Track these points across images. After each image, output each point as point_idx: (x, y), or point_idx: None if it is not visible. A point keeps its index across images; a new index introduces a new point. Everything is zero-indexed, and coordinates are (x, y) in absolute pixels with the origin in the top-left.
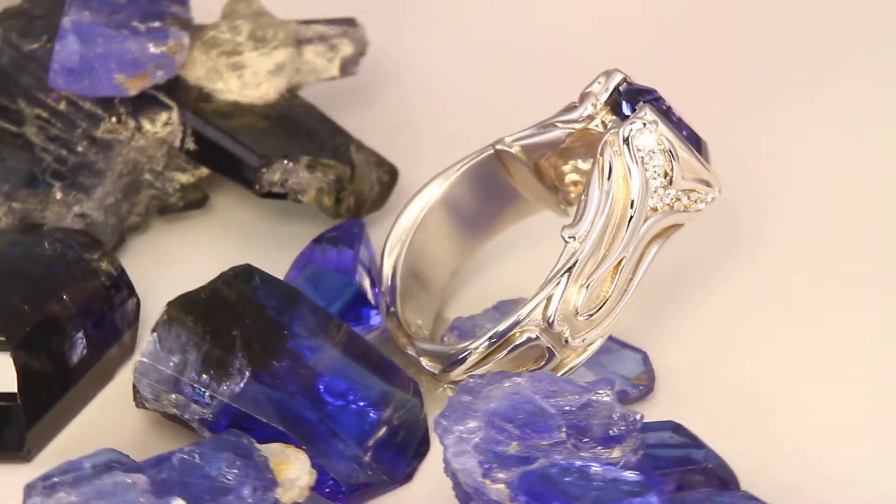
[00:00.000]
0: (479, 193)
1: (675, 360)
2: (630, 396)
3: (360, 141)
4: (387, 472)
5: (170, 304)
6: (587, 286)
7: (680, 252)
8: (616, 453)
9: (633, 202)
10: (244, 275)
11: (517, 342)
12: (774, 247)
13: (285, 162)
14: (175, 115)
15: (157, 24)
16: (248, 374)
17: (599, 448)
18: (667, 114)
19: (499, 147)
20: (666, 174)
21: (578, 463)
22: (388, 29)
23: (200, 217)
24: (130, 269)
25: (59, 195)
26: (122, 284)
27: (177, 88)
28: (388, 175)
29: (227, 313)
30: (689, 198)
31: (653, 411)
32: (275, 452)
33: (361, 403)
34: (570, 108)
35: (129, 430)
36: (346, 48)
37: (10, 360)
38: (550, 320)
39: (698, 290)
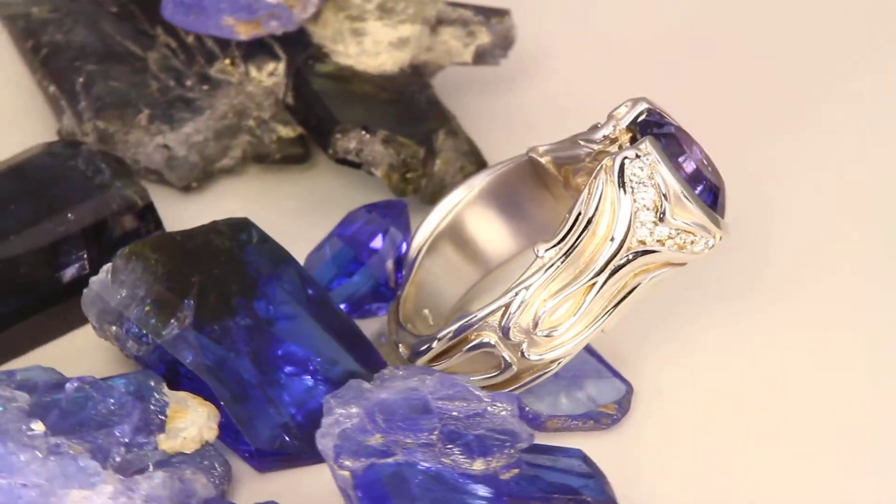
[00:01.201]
0: (511, 197)
1: (662, 392)
2: (591, 423)
3: (460, 129)
4: (311, 446)
5: (141, 241)
6: (549, 303)
7: (686, 281)
8: (478, 465)
9: (615, 230)
10: (238, 228)
11: (473, 343)
12: (775, 294)
13: (362, 132)
14: (282, 67)
15: None
16: (188, 321)
17: (462, 457)
18: (673, 151)
19: (532, 155)
20: (656, 209)
21: (435, 467)
22: (545, 24)
23: (296, 173)
24: (204, 209)
25: (143, 122)
26: (147, 216)
27: (296, 43)
28: (475, 166)
29: (196, 260)
30: (683, 238)
31: (612, 439)
32: (178, 400)
33: (318, 378)
34: (594, 128)
35: (102, 357)
36: (483, 37)
37: None
38: (506, 329)
39: (700, 326)
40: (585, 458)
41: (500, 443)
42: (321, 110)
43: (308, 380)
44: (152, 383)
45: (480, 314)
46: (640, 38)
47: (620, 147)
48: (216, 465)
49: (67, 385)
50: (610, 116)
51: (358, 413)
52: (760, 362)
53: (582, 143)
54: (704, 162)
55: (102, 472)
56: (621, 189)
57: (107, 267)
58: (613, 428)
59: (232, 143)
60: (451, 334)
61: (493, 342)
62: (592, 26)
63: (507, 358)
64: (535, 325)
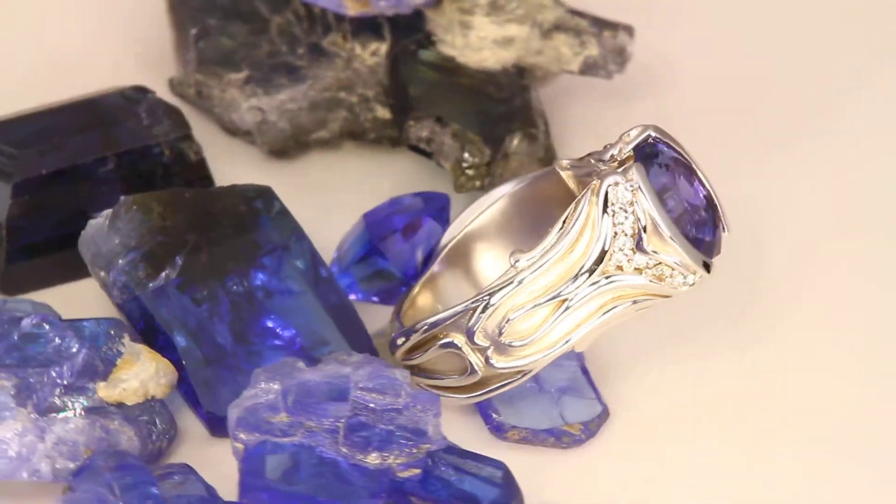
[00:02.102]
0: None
1: (641, 419)
2: (551, 440)
3: (544, 135)
4: None
5: (150, 193)
6: (518, 312)
7: (680, 308)
8: (372, 459)
9: (592, 250)
10: (256, 195)
11: (442, 341)
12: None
13: (435, 123)
14: (384, 48)
15: None
16: (172, 278)
17: (357, 449)
18: (664, 182)
19: (556, 168)
20: (635, 237)
21: (332, 454)
22: (671, 41)
23: (388, 155)
24: (289, 177)
25: (240, 82)
26: (198, 172)
27: (406, 27)
28: None
29: (199, 219)
30: (661, 270)
31: (580, 459)
32: (132, 351)
33: (301, 356)
34: (607, 147)
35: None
36: (592, 49)
37: (8, 191)
38: (471, 332)
39: (688, 356)
40: (506, 474)
41: (405, 441)
42: (403, 95)
43: (289, 356)
44: (112, 332)
45: (450, 312)
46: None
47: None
48: (157, 422)
49: (25, 320)
50: (620, 138)
51: (277, 390)
52: (746, 400)
53: (593, 161)
54: (698, 199)
55: (15, 408)
56: (603, 211)
57: (106, 212)
58: (586, 449)
59: (329, 117)
60: (425, 327)
61: (459, 344)
62: (716, 48)
63: (473, 362)
64: (500, 332)
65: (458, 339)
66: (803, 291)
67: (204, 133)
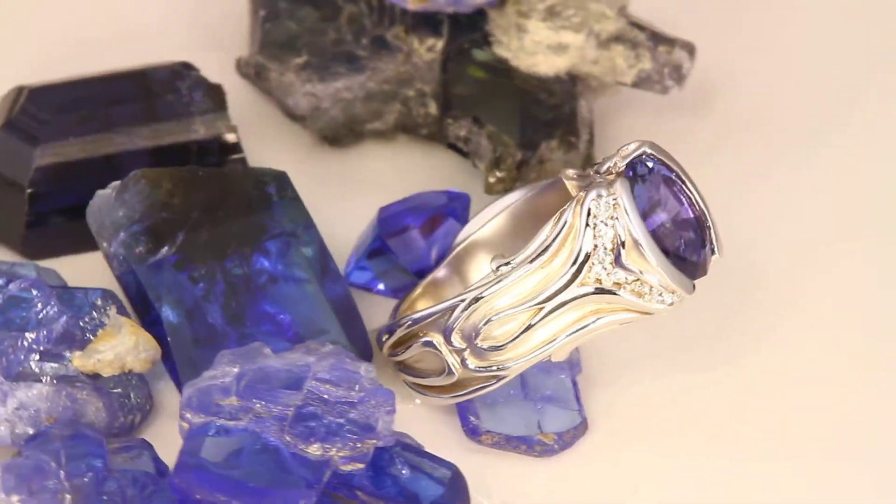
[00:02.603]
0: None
1: (620, 435)
2: (523, 447)
3: (585, 145)
4: None
5: (163, 168)
6: (494, 317)
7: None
8: (313, 450)
9: (571, 261)
10: (270, 180)
11: (422, 340)
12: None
13: (472, 123)
14: (440, 44)
15: None
16: (169, 254)
17: (300, 438)
18: (651, 200)
19: (563, 177)
20: (613, 251)
21: (276, 442)
22: (732, 58)
23: (440, 151)
24: (339, 165)
25: (298, 67)
26: (232, 153)
27: (465, 25)
28: None
29: (207, 199)
30: (640, 287)
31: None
32: (115, 323)
33: (296, 343)
34: (604, 160)
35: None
36: (646, 62)
37: (33, 155)
38: (448, 332)
39: (675, 372)
40: (455, 476)
41: (351, 435)
42: (447, 93)
43: (285, 344)
44: (99, 302)
45: (430, 311)
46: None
47: None
48: (131, 396)
49: (13, 284)
50: (617, 151)
51: (235, 373)
52: (730, 417)
53: (591, 173)
54: (688, 218)
55: None
56: (584, 224)
57: (115, 184)
58: (562, 460)
59: (385, 109)
60: (408, 323)
61: (437, 343)
62: (778, 68)
63: (451, 363)
64: (477, 334)
65: (437, 338)
66: (789, 307)
67: (264, 115)
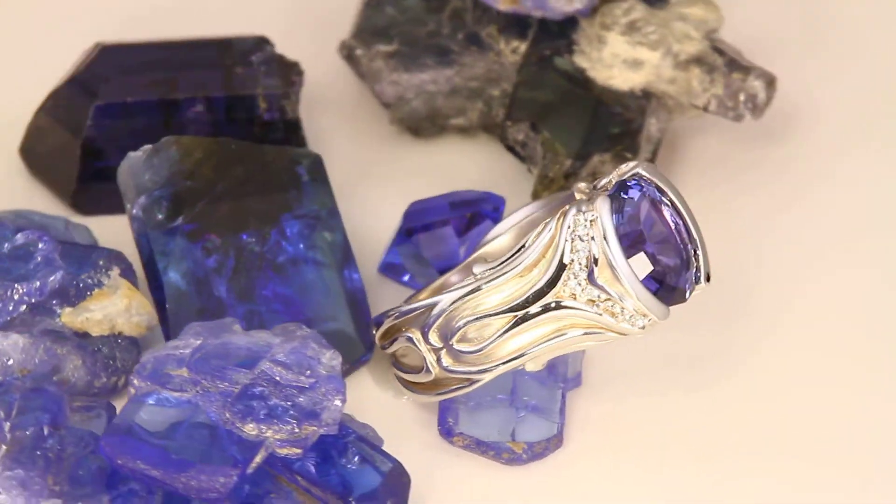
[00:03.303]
0: None
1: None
2: (491, 453)
3: (639, 160)
4: None
5: (198, 137)
6: (471, 319)
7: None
8: (249, 429)
9: (546, 273)
10: (302, 160)
11: (405, 334)
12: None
13: (530, 128)
14: (523, 48)
15: None
16: (185, 222)
17: (238, 416)
18: (631, 218)
19: (574, 190)
20: (587, 267)
21: (218, 418)
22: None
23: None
24: (412, 158)
25: (386, 55)
26: (290, 129)
27: (551, 31)
28: None
29: (236, 173)
30: (612, 306)
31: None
32: (112, 284)
33: (299, 319)
34: (605, 176)
35: None
36: (717, 87)
37: (91, 112)
38: (425, 329)
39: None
40: (393, 472)
41: (291, 419)
42: (513, 96)
43: (290, 323)
44: (102, 262)
45: (413, 305)
46: None
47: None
48: (117, 357)
49: (20, 234)
50: (616, 169)
51: (193, 345)
52: (709, 451)
53: (597, 187)
54: (673, 244)
55: None
56: (564, 237)
57: (147, 147)
58: (532, 471)
59: (468, 106)
60: (395, 315)
61: (416, 340)
62: (864, 104)
63: (428, 361)
64: (453, 334)
65: (416, 335)
66: (771, 330)
67: (361, 99)
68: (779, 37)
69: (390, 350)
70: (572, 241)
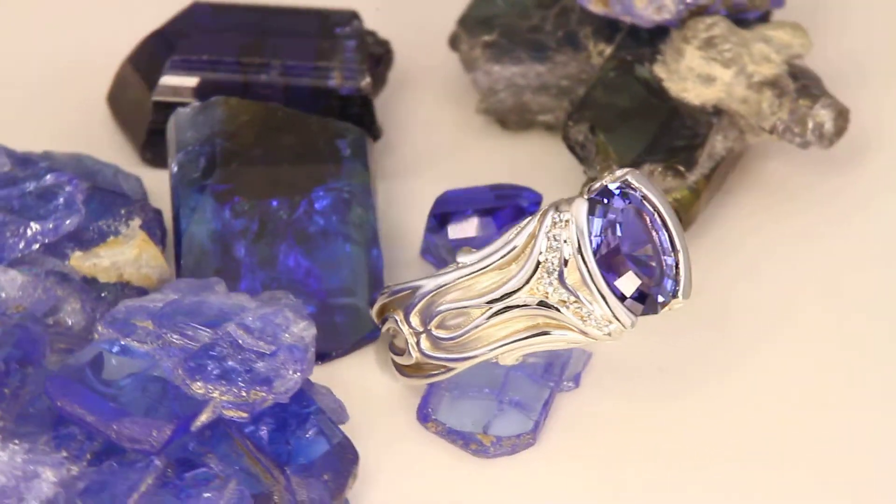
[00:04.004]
0: None
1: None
2: (460, 442)
3: (699, 178)
4: None
5: (246, 101)
6: (449, 307)
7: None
8: (196, 387)
9: (521, 270)
10: (349, 137)
11: (392, 315)
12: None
13: (589, 130)
14: (608, 51)
15: None
16: (215, 182)
17: (187, 373)
18: (609, 224)
19: (584, 191)
20: (558, 268)
21: (169, 371)
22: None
23: None
24: (493, 148)
25: (483, 44)
26: (361, 107)
27: (640, 38)
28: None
29: (276, 139)
30: (580, 309)
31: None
32: (128, 233)
33: (316, 294)
34: (598, 179)
35: None
36: (783, 113)
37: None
38: (407, 311)
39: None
40: (337, 448)
41: (241, 383)
42: (582, 97)
43: (307, 286)
44: (123, 211)
45: (400, 286)
46: None
47: None
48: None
49: (50, 175)
50: (609, 174)
51: (168, 299)
52: (684, 466)
53: (589, 189)
54: (644, 254)
55: None
56: (541, 236)
57: (197, 104)
58: (503, 465)
59: (555, 104)
60: (387, 293)
61: (399, 321)
62: None
63: (410, 344)
64: (431, 319)
65: (400, 316)
66: (756, 345)
67: (459, 85)
68: (868, 67)
69: (383, 329)
70: (548, 241)
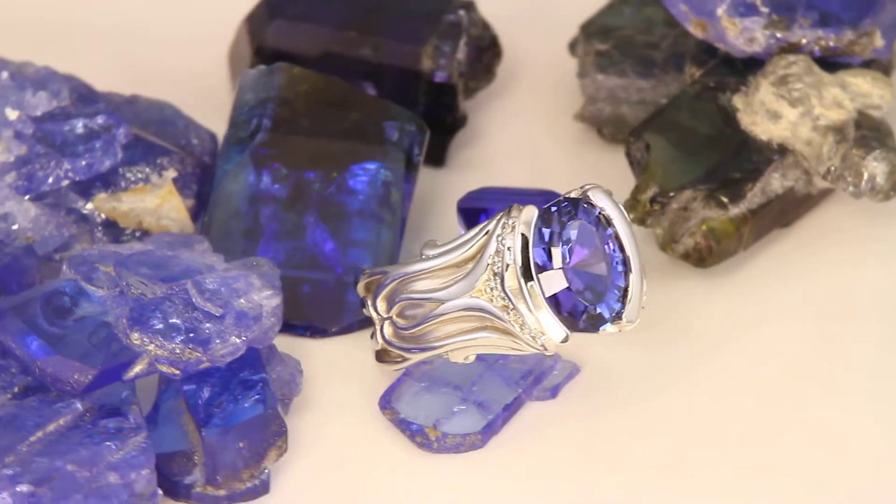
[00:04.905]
0: None
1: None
2: (408, 433)
3: (738, 214)
4: None
5: (309, 71)
6: (406, 296)
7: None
8: (134, 338)
9: (470, 271)
10: (404, 123)
11: (365, 297)
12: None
13: (645, 147)
14: (697, 74)
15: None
16: (255, 147)
17: (129, 322)
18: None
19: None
20: (498, 275)
21: (118, 318)
22: None
23: None
24: (595, 155)
25: (592, 51)
26: (448, 96)
27: (739, 69)
28: (701, 245)
29: (329, 113)
30: (517, 317)
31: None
32: (157, 184)
33: (332, 268)
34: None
35: None
36: (836, 160)
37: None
38: (375, 295)
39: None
40: (260, 418)
41: (177, 339)
42: (652, 113)
43: (328, 275)
44: (158, 161)
45: (378, 269)
46: None
47: None
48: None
49: (100, 116)
50: (582, 186)
51: (143, 250)
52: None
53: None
54: (590, 272)
55: None
56: (493, 239)
57: (263, 67)
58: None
59: None
60: (367, 273)
61: (368, 304)
62: None
63: (376, 329)
64: (392, 307)
65: (370, 298)
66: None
67: (572, 89)
68: None
69: (364, 310)
70: (497, 245)
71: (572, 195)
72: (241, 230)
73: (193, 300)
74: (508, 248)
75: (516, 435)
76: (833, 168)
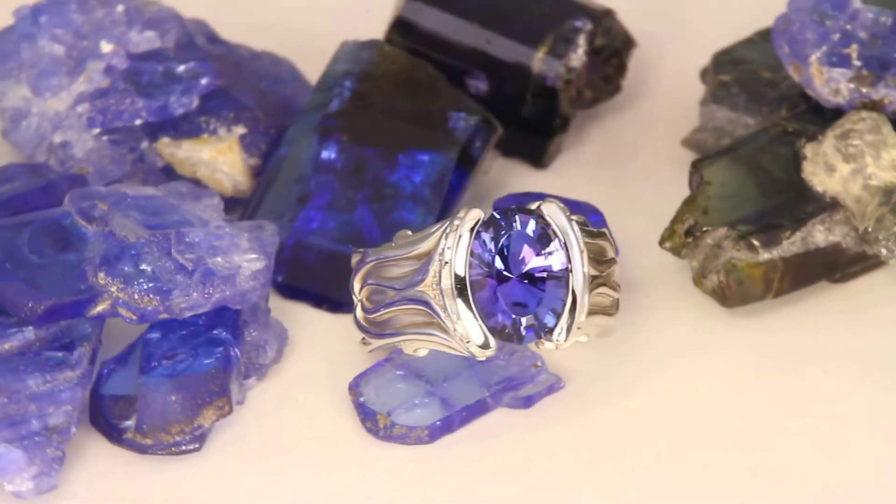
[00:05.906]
0: None
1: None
2: (362, 416)
3: (770, 258)
4: None
5: (401, 52)
6: (373, 281)
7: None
8: (100, 276)
9: (420, 266)
10: (470, 117)
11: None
12: None
13: (700, 179)
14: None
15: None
16: (324, 117)
17: (102, 265)
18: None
19: None
20: (436, 276)
21: (96, 255)
22: None
23: None
24: (667, 175)
25: (718, 80)
26: (547, 96)
27: (828, 119)
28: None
29: (402, 96)
30: (445, 316)
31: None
32: (221, 138)
33: (371, 243)
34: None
35: None
36: (871, 221)
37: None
38: (354, 273)
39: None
40: (203, 376)
41: (144, 289)
42: (724, 147)
43: (365, 243)
44: (232, 115)
45: (359, 249)
46: None
47: None
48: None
49: (193, 63)
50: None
51: (131, 195)
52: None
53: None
54: (526, 283)
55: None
56: (444, 238)
57: (360, 41)
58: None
59: None
60: (357, 253)
61: (350, 280)
62: None
63: (354, 304)
64: (363, 288)
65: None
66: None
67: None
68: None
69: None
70: (444, 242)
71: (531, 207)
72: (295, 194)
73: (172, 251)
74: (448, 248)
75: (474, 437)
76: (869, 229)
